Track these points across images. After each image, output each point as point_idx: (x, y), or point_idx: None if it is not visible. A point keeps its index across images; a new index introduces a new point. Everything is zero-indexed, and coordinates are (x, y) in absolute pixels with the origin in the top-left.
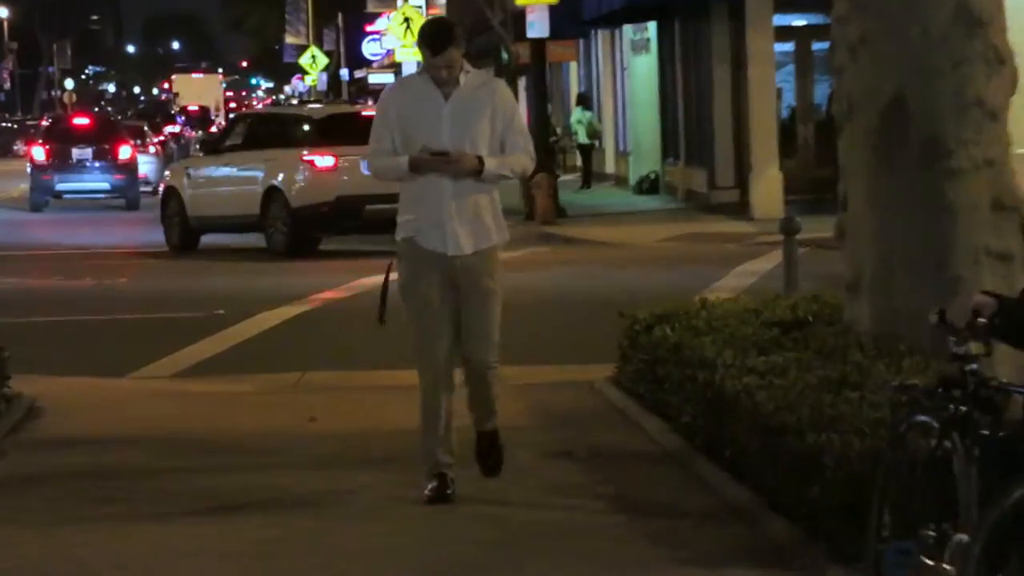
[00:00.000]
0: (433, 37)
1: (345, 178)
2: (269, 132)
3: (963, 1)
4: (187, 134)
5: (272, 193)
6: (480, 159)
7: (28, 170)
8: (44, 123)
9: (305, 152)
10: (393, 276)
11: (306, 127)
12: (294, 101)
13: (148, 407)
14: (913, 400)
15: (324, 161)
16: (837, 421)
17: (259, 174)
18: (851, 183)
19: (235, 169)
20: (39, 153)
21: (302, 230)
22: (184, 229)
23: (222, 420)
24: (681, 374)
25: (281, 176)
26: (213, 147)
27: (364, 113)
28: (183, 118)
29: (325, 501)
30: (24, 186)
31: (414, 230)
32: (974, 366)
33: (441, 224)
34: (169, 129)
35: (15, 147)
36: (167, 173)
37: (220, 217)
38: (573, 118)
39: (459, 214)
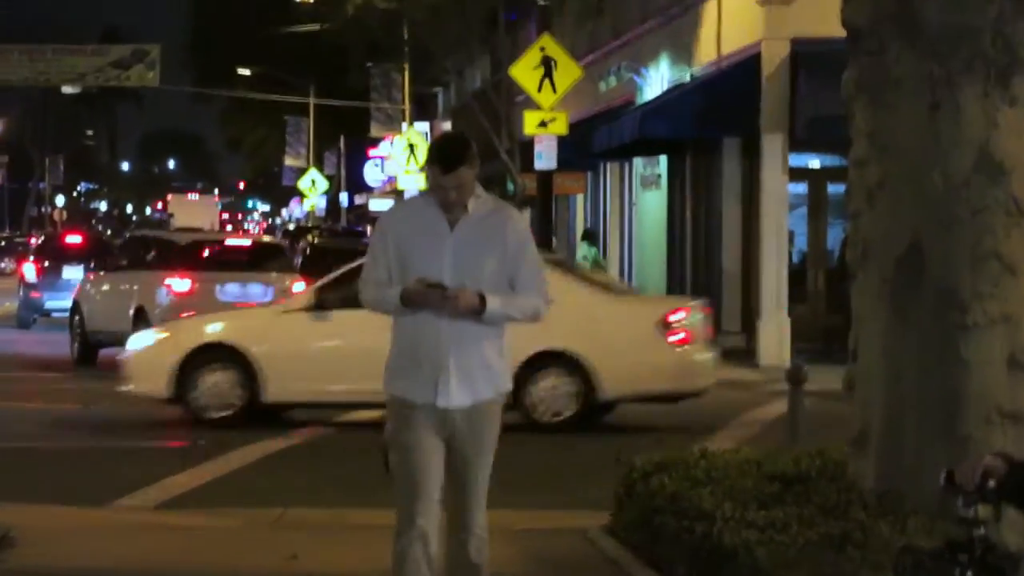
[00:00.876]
0: (445, 152)
1: (202, 301)
2: (146, 255)
3: (986, 147)
4: None
5: (140, 312)
6: (482, 297)
7: (18, 288)
8: (35, 241)
9: (166, 276)
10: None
11: (172, 252)
12: (291, 226)
13: (127, 539)
14: (918, 563)
15: (181, 285)
16: None
17: (132, 294)
18: (862, 333)
19: (117, 287)
20: (29, 271)
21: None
22: (83, 343)
23: (202, 555)
24: (678, 525)
25: (146, 297)
26: (108, 266)
27: (227, 241)
28: None
29: None
30: (10, 304)
31: (401, 376)
32: (982, 531)
33: (434, 371)
34: None
35: (2, 264)
36: (76, 288)
37: (105, 332)
38: (579, 253)
39: (457, 361)
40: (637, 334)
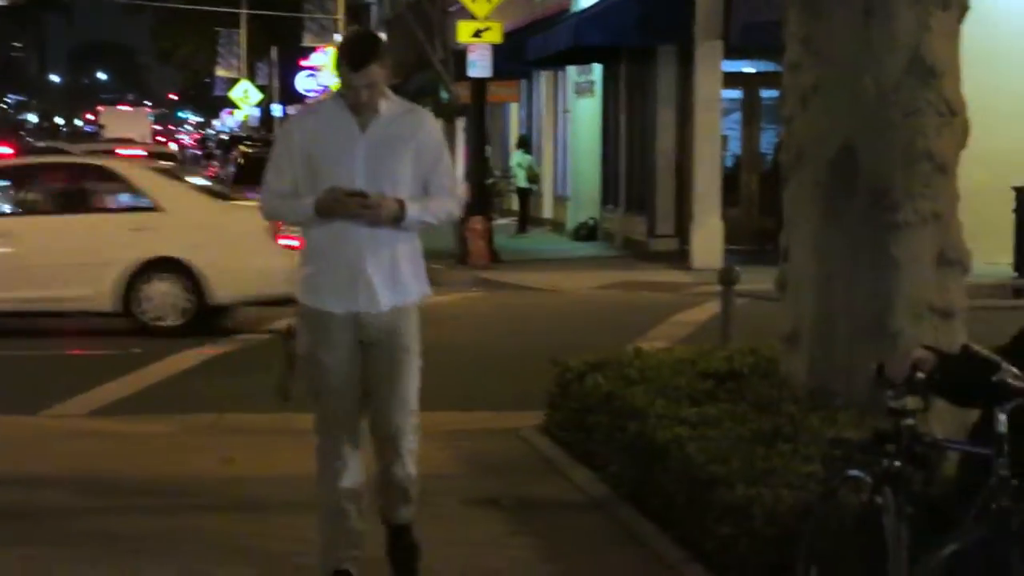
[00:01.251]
0: (353, 49)
1: None
2: None
3: (918, 51)
4: None
5: None
6: (401, 203)
7: None
8: None
9: None
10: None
11: None
12: (224, 137)
13: (60, 446)
14: (847, 454)
15: None
16: (769, 474)
17: None
18: (794, 234)
19: None
20: None
21: None
22: None
23: (136, 461)
24: (611, 424)
25: None
26: None
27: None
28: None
29: (231, 545)
30: None
31: (318, 287)
32: (910, 421)
33: (353, 278)
34: None
35: None
36: None
37: None
38: (513, 161)
39: (375, 266)
40: (246, 239)
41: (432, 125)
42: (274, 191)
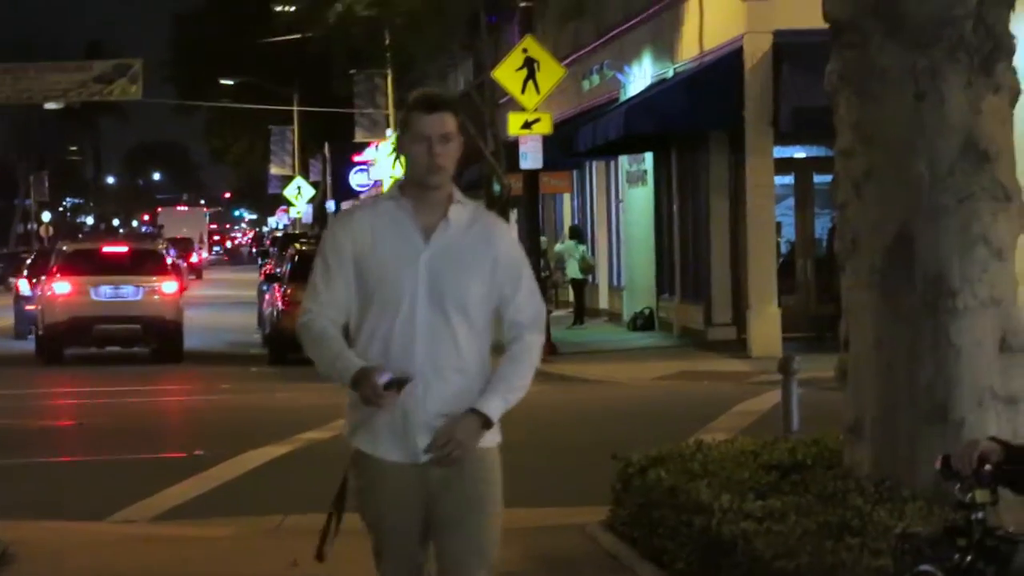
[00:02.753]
0: (426, 95)
1: (77, 301)
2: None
3: (971, 136)
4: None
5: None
6: (480, 416)
7: (13, 301)
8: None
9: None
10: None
11: (59, 259)
12: (278, 234)
13: (125, 552)
14: (917, 549)
15: (60, 287)
16: (838, 569)
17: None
18: (853, 322)
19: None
20: (24, 285)
21: (48, 342)
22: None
23: (201, 566)
24: (676, 519)
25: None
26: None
27: (104, 248)
28: (174, 250)
29: None
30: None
31: (367, 424)
32: (980, 515)
33: (406, 419)
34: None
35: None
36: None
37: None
38: (556, 246)
39: (433, 401)
40: None
41: (511, 237)
42: (322, 303)
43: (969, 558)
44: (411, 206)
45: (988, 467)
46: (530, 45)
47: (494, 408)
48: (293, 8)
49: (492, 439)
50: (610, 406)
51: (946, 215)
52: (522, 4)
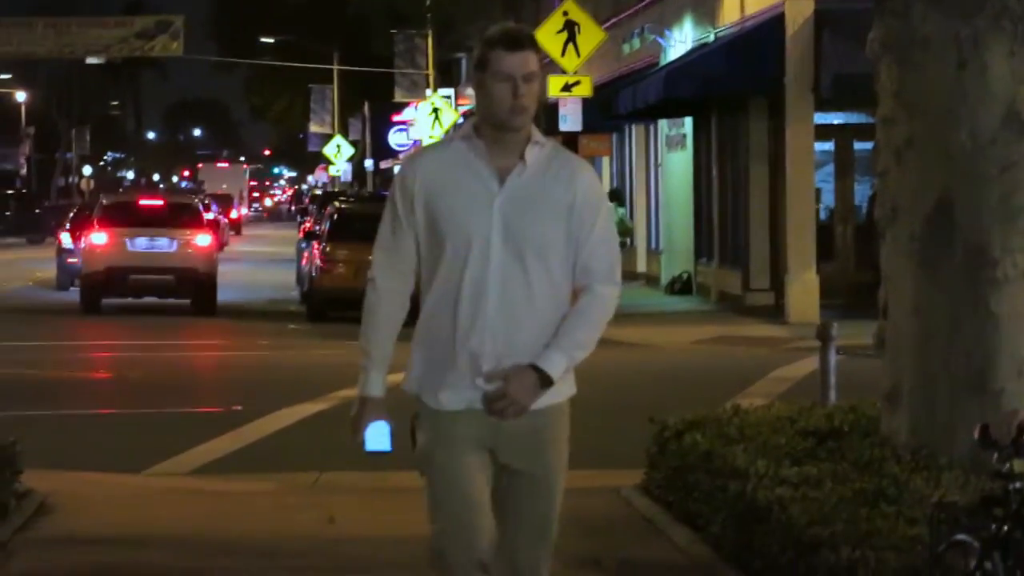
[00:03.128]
0: (508, 31)
1: (114, 252)
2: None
3: (1013, 104)
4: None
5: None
6: (542, 374)
7: (57, 254)
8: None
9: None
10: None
11: (98, 212)
12: (318, 191)
13: (163, 505)
14: (953, 518)
15: (98, 239)
16: (873, 536)
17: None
18: (892, 290)
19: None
20: (66, 238)
21: (86, 291)
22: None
23: (239, 521)
24: (711, 483)
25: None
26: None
27: (141, 202)
28: (216, 205)
29: None
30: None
31: (432, 373)
32: (1018, 484)
33: (474, 366)
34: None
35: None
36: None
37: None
38: None
39: (508, 349)
40: None
41: (591, 178)
42: (388, 253)
43: (1006, 528)
44: (486, 147)
45: None
46: (571, 8)
47: (556, 365)
48: None
49: (563, 392)
50: (646, 370)
51: (987, 184)
52: None
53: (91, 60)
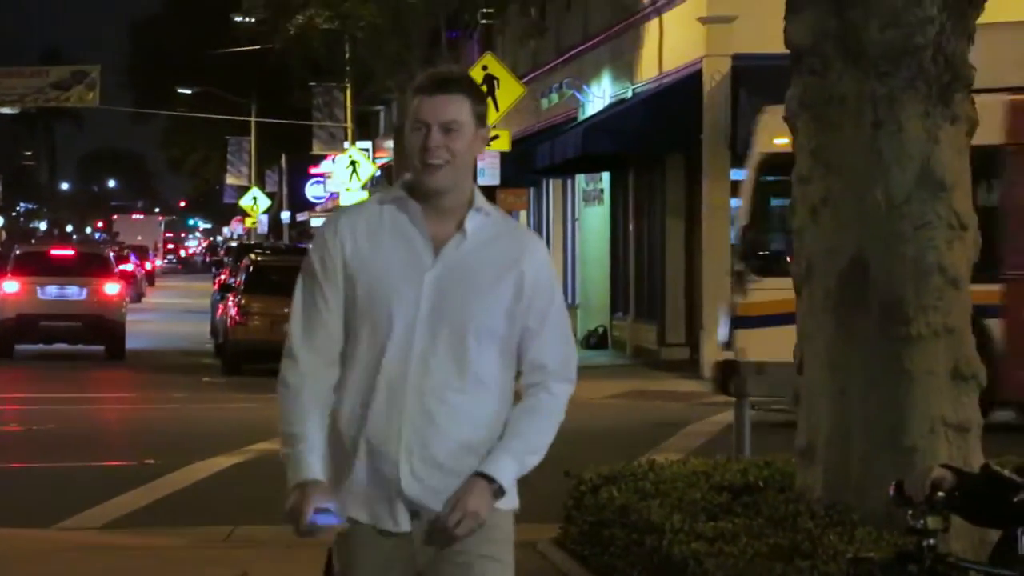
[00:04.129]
0: (435, 75)
1: (25, 299)
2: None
3: (927, 165)
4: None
5: None
6: (493, 483)
7: None
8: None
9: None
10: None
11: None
12: (233, 243)
13: (74, 561)
14: (869, 573)
15: (10, 287)
16: None
17: None
18: (807, 346)
19: None
20: None
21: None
22: None
23: (151, 575)
24: (627, 537)
25: None
26: None
27: (53, 251)
28: (135, 255)
29: None
30: None
31: (345, 490)
32: (932, 541)
33: (393, 479)
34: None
35: None
36: None
37: None
38: None
39: (427, 452)
40: None
41: (545, 258)
42: (307, 329)
43: None
44: (420, 211)
45: (941, 494)
46: (490, 62)
47: (506, 472)
48: (253, 19)
49: (507, 503)
50: (562, 424)
51: (902, 242)
52: (483, 21)
53: (4, 110)
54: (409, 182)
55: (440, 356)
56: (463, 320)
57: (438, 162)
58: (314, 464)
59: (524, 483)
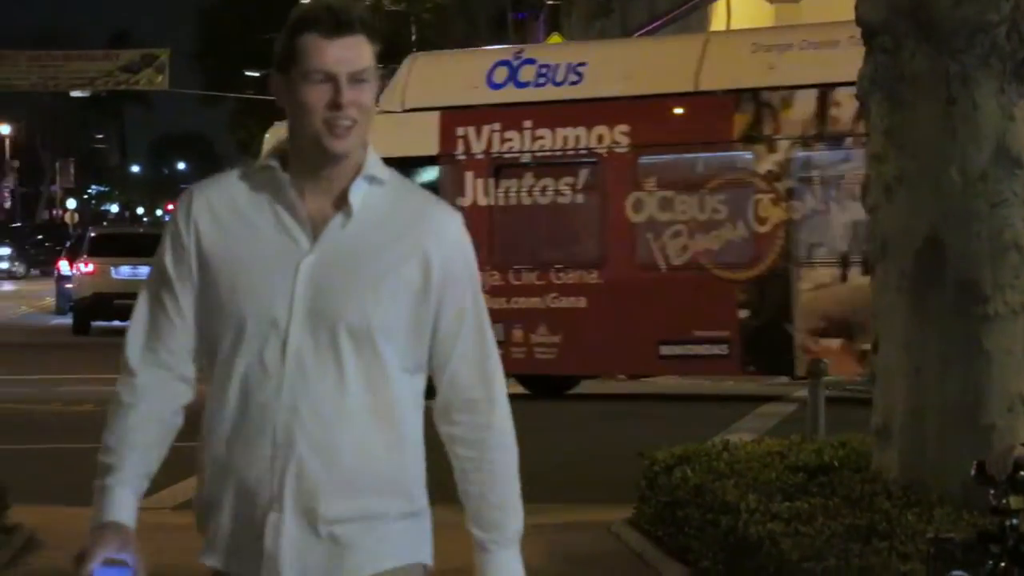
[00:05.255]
0: (328, 9)
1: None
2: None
3: (1003, 142)
4: None
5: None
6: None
7: (55, 280)
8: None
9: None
10: None
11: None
12: None
13: (149, 541)
14: (950, 554)
15: (86, 267)
16: (866, 572)
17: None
18: (882, 325)
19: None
20: (64, 266)
21: (77, 315)
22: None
23: None
24: (702, 518)
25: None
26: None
27: (126, 233)
28: None
29: None
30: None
31: (209, 535)
32: (1014, 521)
33: (257, 518)
34: None
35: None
36: None
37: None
38: None
39: (308, 494)
40: None
41: (459, 234)
42: (148, 333)
43: (1002, 564)
44: (295, 183)
45: (1023, 473)
46: (556, 42)
47: (511, 568)
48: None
49: (414, 555)
50: (634, 404)
51: (977, 220)
52: (549, 2)
53: (76, 93)
54: (283, 148)
55: (322, 365)
56: (350, 320)
57: (347, 123)
58: (121, 502)
59: (597, 465)
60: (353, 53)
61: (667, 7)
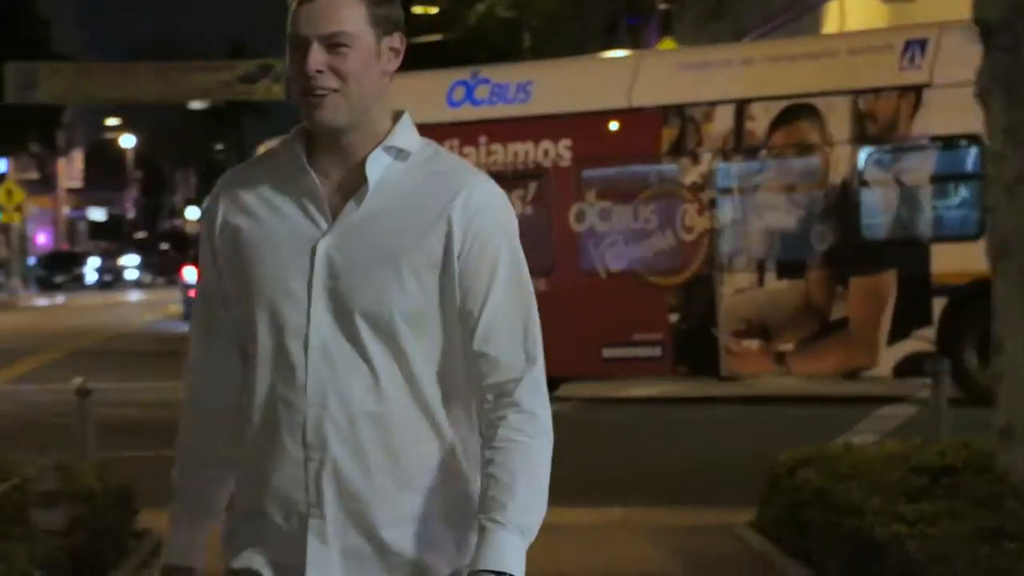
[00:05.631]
0: None
1: None
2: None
3: None
4: None
5: None
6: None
7: (181, 287)
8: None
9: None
10: None
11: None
12: None
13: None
14: None
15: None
16: (996, 574)
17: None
18: (1005, 325)
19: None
20: (188, 272)
21: None
22: None
23: None
24: (826, 520)
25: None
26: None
27: None
28: None
29: None
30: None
31: (245, 537)
32: None
33: (297, 519)
34: None
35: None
36: None
37: None
38: None
39: (334, 486)
40: None
41: (486, 196)
42: (200, 325)
43: None
44: (317, 158)
45: None
46: (669, 47)
47: (511, 551)
48: (434, 10)
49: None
50: (751, 407)
51: None
52: (662, 6)
53: (195, 105)
54: (303, 127)
55: (347, 357)
56: (371, 306)
57: (322, 92)
58: (182, 539)
59: (717, 468)
60: (324, 15)
61: (780, 7)
